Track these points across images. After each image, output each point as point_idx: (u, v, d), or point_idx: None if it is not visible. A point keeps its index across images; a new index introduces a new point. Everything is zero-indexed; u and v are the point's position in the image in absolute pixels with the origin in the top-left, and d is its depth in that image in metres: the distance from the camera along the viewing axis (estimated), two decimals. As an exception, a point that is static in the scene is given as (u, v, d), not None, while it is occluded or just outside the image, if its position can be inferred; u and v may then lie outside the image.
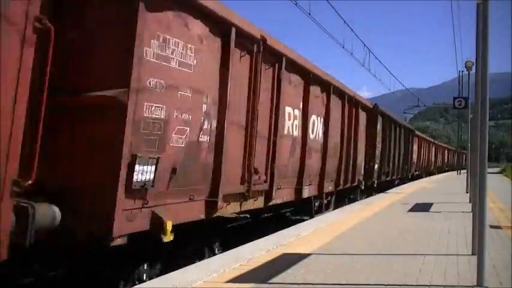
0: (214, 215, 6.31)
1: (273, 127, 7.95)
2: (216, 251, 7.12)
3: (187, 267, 5.54)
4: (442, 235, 7.89)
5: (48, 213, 4.04)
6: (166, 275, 5.30)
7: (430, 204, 13.27)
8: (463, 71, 31.23)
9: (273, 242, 6.94)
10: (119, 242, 4.62)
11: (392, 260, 5.81)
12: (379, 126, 17.02)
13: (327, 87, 10.97)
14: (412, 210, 11.97)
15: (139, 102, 4.68)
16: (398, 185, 22.43)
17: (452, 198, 15.35)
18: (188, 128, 5.54)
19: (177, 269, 5.40)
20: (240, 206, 7.15)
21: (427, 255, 6.11)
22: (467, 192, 16.47)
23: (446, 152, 53.85)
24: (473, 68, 16.35)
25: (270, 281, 4.79)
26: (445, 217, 10.37)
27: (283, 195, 8.68)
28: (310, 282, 4.78)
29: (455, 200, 14.61)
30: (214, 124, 6.11)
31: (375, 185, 17.06)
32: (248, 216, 8.80)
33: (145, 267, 5.67)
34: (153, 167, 4.87)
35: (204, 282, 4.72)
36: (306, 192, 9.79)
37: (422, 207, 12.55)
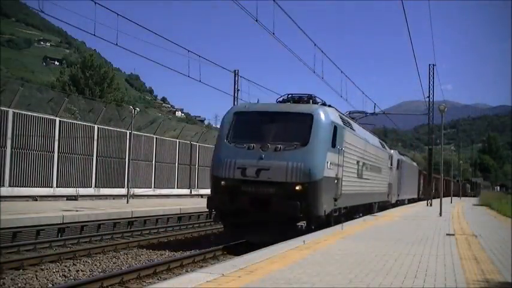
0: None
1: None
2: None
3: (187, 267, 5.66)
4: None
5: None
6: (166, 275, 5.43)
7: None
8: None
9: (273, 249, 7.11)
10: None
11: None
12: None
13: None
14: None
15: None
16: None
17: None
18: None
19: None
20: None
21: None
22: (440, 215, 17.11)
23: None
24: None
25: (270, 282, 4.92)
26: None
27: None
28: (310, 281, 4.95)
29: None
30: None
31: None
32: None
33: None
34: None
35: (205, 282, 4.82)
36: None
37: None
